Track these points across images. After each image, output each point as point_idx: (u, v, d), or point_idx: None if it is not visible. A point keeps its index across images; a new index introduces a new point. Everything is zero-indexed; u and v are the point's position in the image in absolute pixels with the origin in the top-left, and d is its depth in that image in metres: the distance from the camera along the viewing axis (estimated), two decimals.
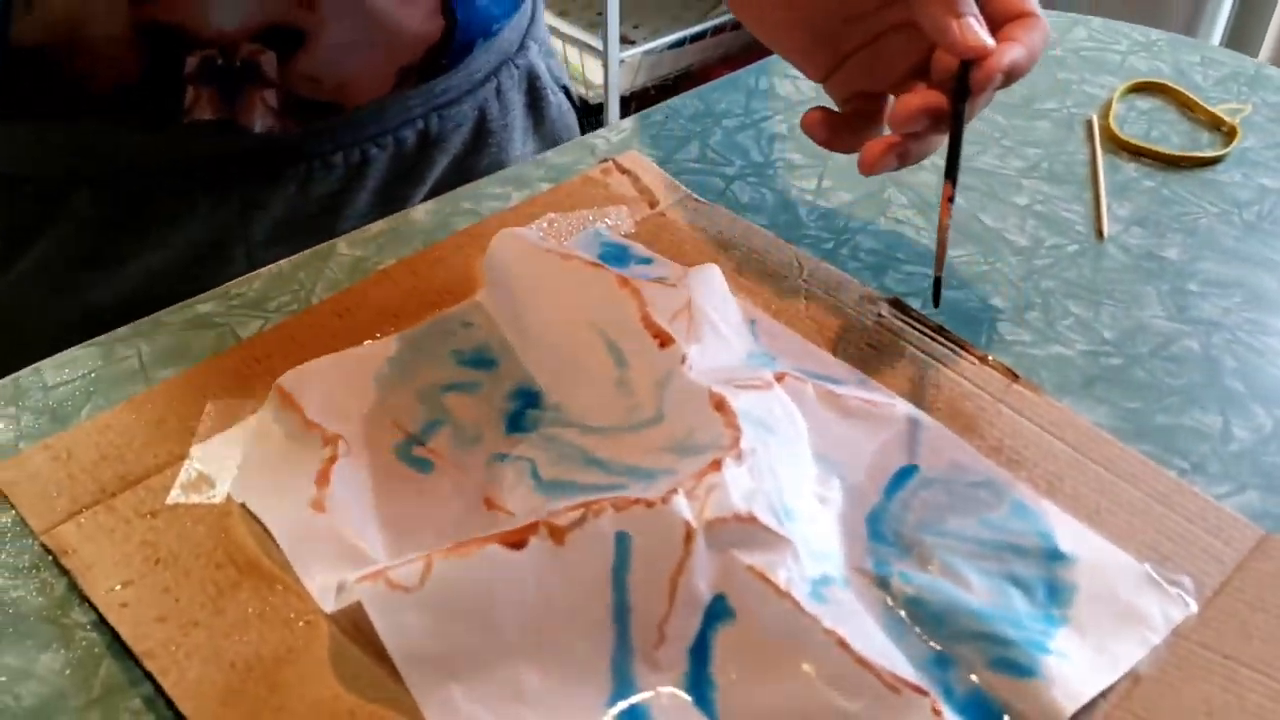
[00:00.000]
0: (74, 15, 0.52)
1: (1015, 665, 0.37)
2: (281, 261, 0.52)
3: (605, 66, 1.89)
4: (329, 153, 0.59)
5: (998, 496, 0.43)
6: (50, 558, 0.39)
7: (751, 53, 1.83)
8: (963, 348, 0.48)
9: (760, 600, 0.37)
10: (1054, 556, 0.41)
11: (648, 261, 0.52)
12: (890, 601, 0.39)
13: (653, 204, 0.56)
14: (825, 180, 0.58)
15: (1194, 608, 0.39)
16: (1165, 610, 0.39)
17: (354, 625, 0.37)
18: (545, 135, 0.69)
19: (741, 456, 0.39)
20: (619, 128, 0.61)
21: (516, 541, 0.36)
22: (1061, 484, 0.43)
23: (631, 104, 1.99)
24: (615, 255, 0.52)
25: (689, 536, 0.37)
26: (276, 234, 0.60)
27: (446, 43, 0.59)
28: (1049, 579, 0.40)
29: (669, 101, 0.64)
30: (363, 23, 0.56)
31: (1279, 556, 0.41)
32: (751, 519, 0.38)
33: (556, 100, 0.69)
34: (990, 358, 0.48)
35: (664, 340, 0.44)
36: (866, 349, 0.48)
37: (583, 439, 0.43)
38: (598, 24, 1.97)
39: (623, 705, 0.36)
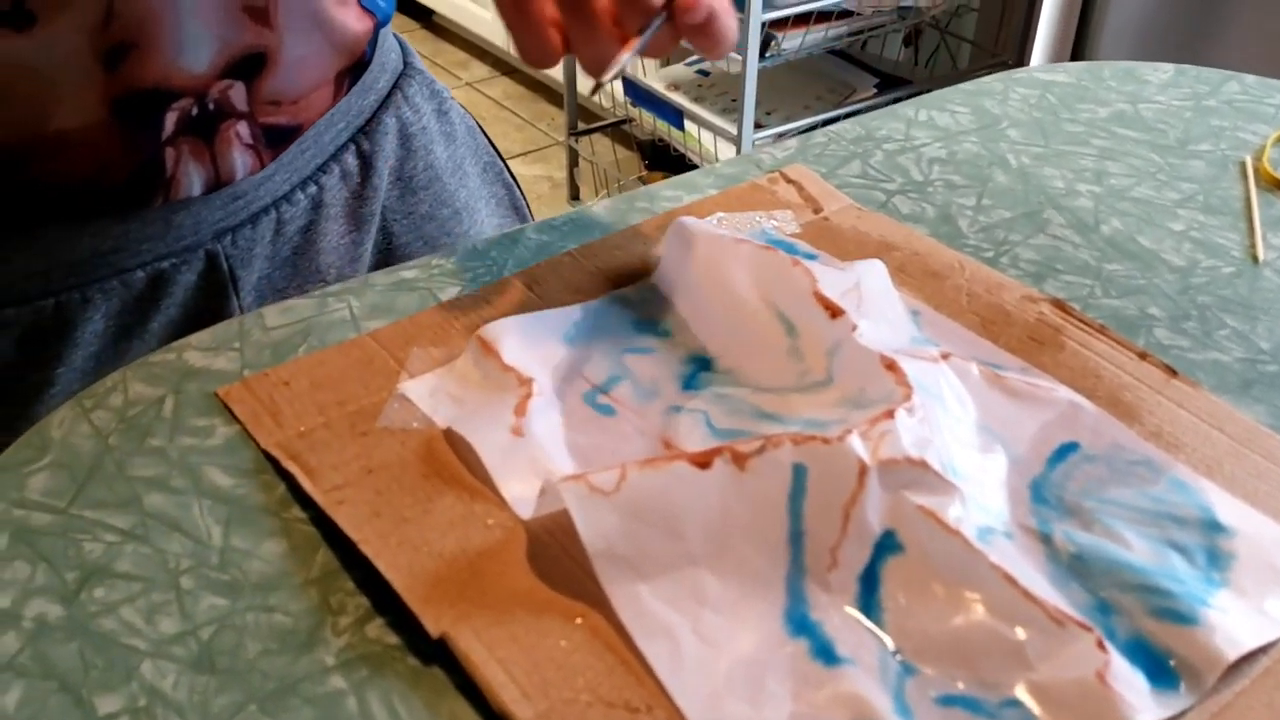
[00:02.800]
0: (44, 105, 0.50)
1: (1176, 614, 0.38)
2: (476, 240, 0.57)
3: (739, 149, 1.95)
4: (289, 193, 0.60)
5: (1156, 473, 0.44)
6: (270, 464, 0.44)
7: None
8: (1123, 345, 0.50)
9: (929, 536, 0.39)
10: (1213, 527, 0.42)
11: (813, 257, 0.55)
12: (1053, 555, 0.41)
13: (817, 210, 0.59)
14: (985, 199, 0.61)
15: None
16: None
17: (548, 531, 0.40)
18: (457, 142, 0.69)
19: (913, 410, 0.42)
20: (784, 146, 0.65)
21: (703, 461, 0.39)
22: (1220, 468, 0.44)
23: None
24: (782, 248, 0.55)
25: (863, 473, 0.39)
26: (263, 284, 0.60)
27: (373, 39, 0.61)
28: (1208, 547, 0.41)
29: (829, 127, 0.67)
30: (313, 31, 0.56)
31: None
32: (923, 463, 0.40)
33: (457, 110, 0.71)
34: (1149, 354, 0.49)
35: (835, 312, 0.47)
36: (1028, 341, 0.51)
37: (754, 397, 0.46)
38: (731, 109, 2.05)
39: (796, 618, 0.38)
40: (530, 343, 0.48)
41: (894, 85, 2.11)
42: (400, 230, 0.66)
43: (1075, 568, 0.40)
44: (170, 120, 0.53)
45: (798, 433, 0.40)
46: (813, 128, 2.04)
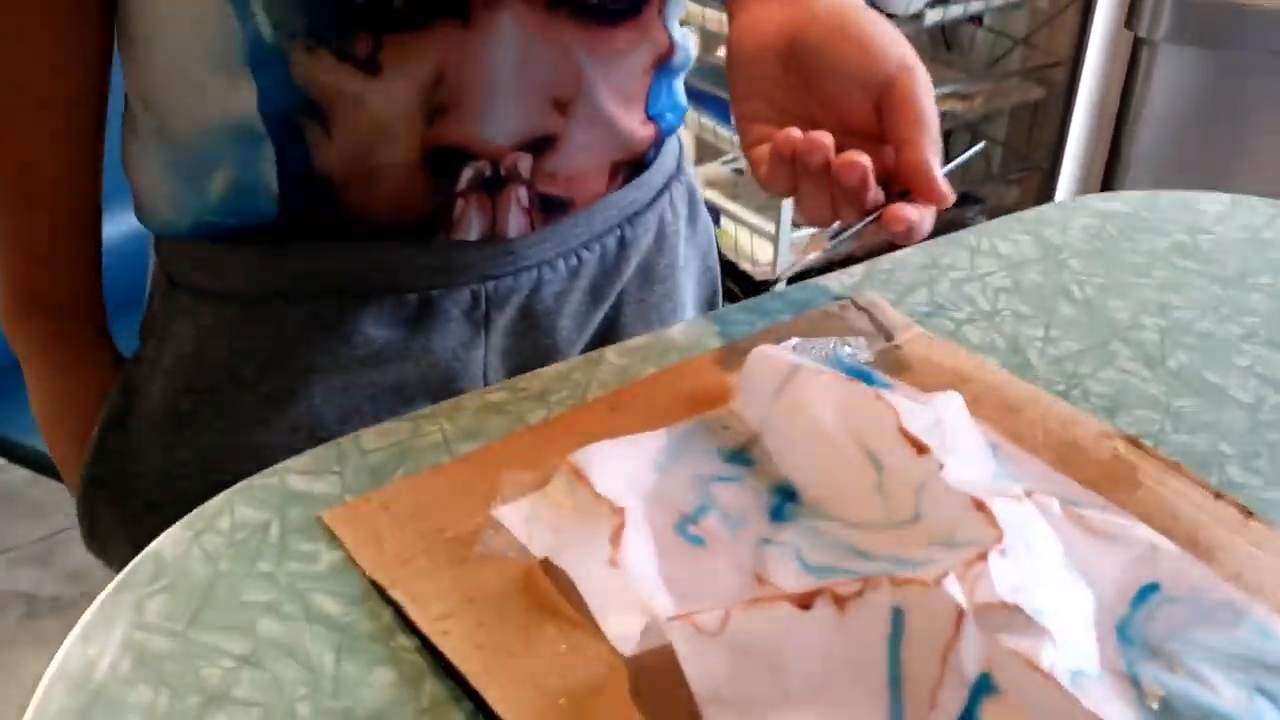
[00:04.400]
0: (372, 141, 0.58)
1: None
2: (559, 364, 0.59)
3: (776, 246, 1.98)
4: (552, 260, 0.67)
5: (1238, 616, 0.45)
6: (376, 591, 0.45)
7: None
8: (1198, 484, 0.51)
9: (1025, 680, 0.40)
10: None
11: (889, 387, 0.56)
12: (1142, 699, 0.41)
13: (889, 337, 0.61)
14: (1053, 330, 0.63)
15: None
16: None
17: (650, 670, 0.41)
18: (698, 244, 0.79)
19: (1005, 552, 0.43)
20: (850, 272, 0.67)
21: (805, 603, 0.40)
22: None
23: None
24: (861, 379, 0.57)
25: (960, 617, 0.40)
26: (511, 330, 0.67)
27: (656, 145, 0.70)
28: None
29: (893, 254, 0.70)
30: (598, 127, 0.64)
31: None
32: (1017, 608, 0.41)
33: (705, 216, 0.80)
34: (1224, 494, 0.50)
35: (920, 449, 0.48)
36: (1105, 478, 0.52)
37: (844, 531, 0.48)
38: (766, 207, 2.09)
39: None
40: (620, 469, 0.50)
41: None
42: (629, 314, 0.73)
43: (1165, 713, 0.41)
44: (466, 176, 0.61)
45: (896, 575, 0.41)
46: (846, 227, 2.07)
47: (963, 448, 0.51)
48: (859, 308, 0.63)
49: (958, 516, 0.45)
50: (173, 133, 0.61)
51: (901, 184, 0.53)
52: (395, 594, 0.44)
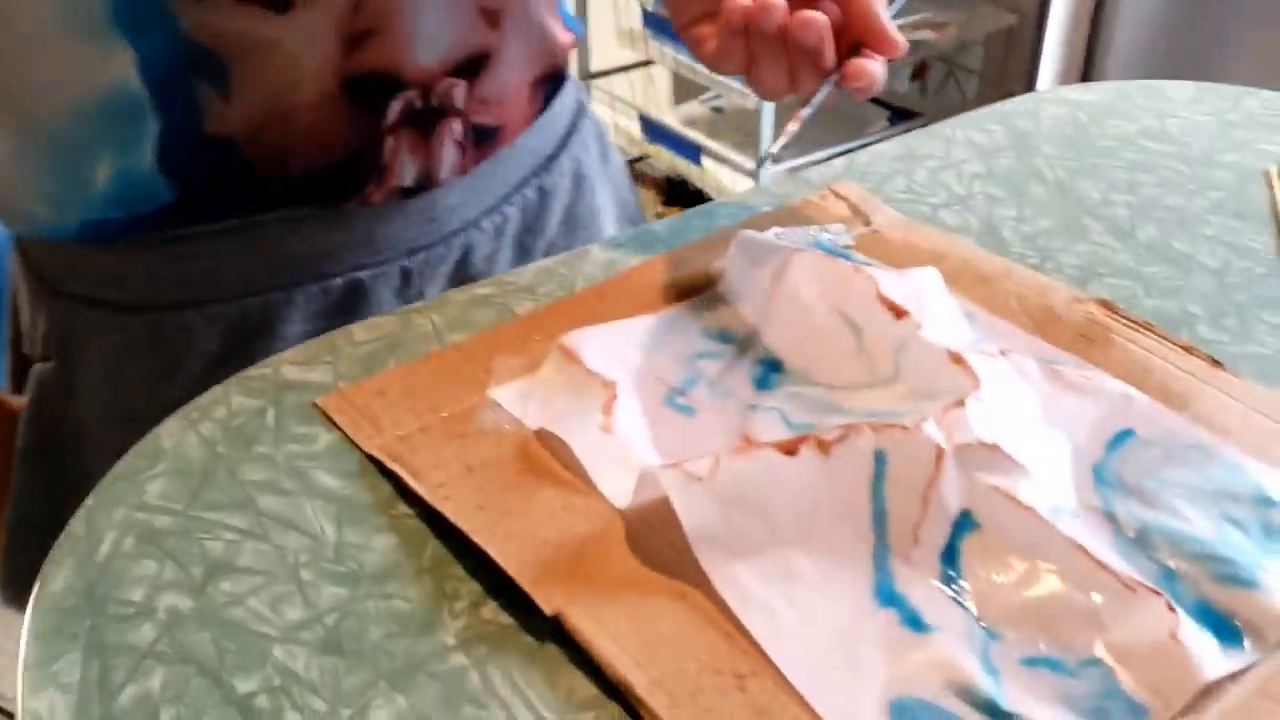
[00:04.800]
0: (280, 87, 0.53)
1: (1238, 579, 0.40)
2: (545, 260, 0.60)
3: (757, 182, 1.99)
4: (477, 220, 0.65)
5: (1209, 456, 0.46)
6: (374, 467, 0.46)
7: None
8: (1169, 340, 0.53)
9: (1004, 514, 0.41)
10: (1265, 502, 0.44)
11: (868, 265, 0.58)
12: (1118, 530, 0.43)
13: (867, 222, 0.62)
14: (1026, 210, 0.64)
15: None
16: None
17: (644, 519, 0.42)
18: (612, 181, 0.75)
19: (982, 399, 0.44)
20: (831, 166, 0.68)
21: (790, 449, 0.42)
22: (1269, 451, 0.47)
23: None
24: (840, 258, 0.58)
25: (939, 457, 0.42)
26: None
27: (570, 48, 0.67)
28: (1262, 520, 0.43)
29: (873, 147, 0.71)
30: (527, 33, 0.61)
31: None
32: (995, 447, 0.43)
33: (614, 154, 0.77)
34: (1194, 349, 0.52)
35: (899, 312, 0.49)
36: (1079, 339, 0.53)
37: (827, 394, 0.49)
38: (745, 144, 2.09)
39: (885, 591, 0.40)
40: (608, 350, 0.51)
41: (904, 118, 2.15)
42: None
43: (1140, 541, 0.43)
44: (394, 109, 0.56)
45: (877, 421, 0.43)
46: (829, 159, 2.08)
47: (940, 315, 0.52)
48: (838, 196, 0.64)
49: (936, 370, 0.47)
50: (36, 119, 0.53)
51: (850, 38, 0.51)
52: (395, 466, 0.46)
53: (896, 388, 0.48)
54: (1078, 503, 0.44)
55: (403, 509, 0.45)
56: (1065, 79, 2.21)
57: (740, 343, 0.53)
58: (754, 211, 0.64)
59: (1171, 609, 0.38)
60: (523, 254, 0.68)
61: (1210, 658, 0.38)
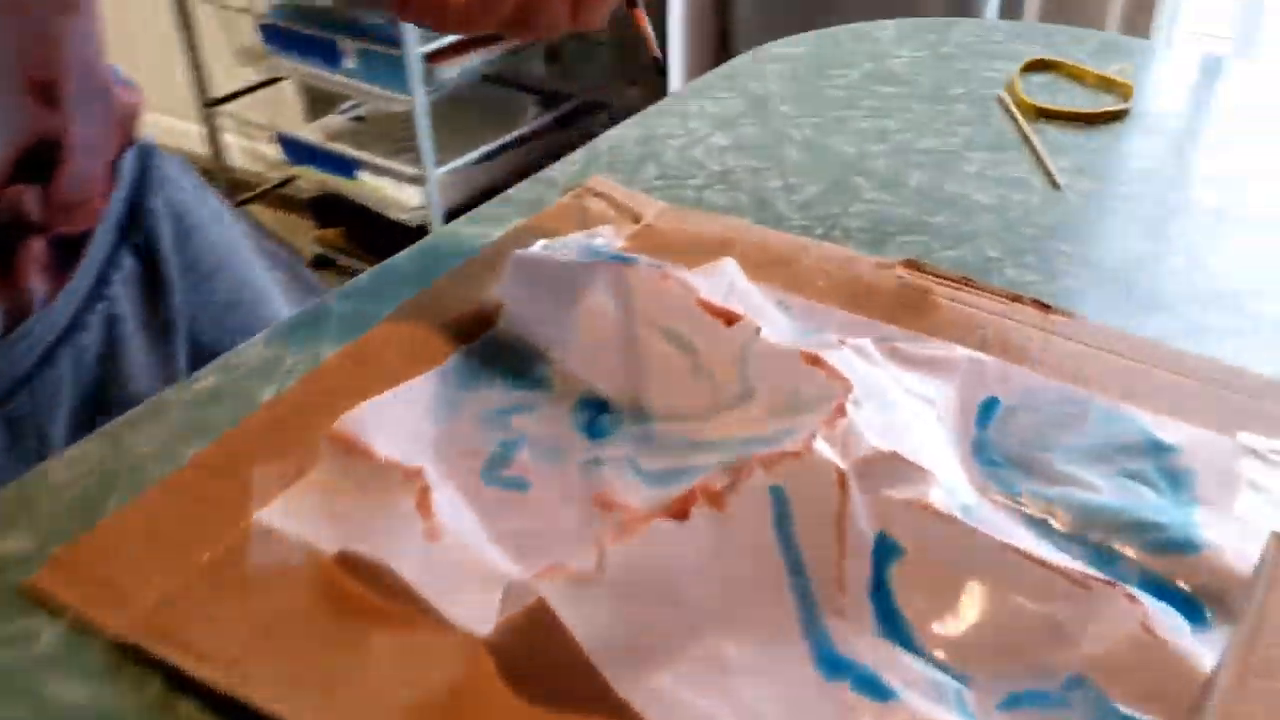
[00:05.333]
0: None
1: (1175, 544, 0.37)
2: (277, 323, 0.48)
3: (425, 185, 1.88)
4: (78, 317, 0.50)
5: (1082, 410, 0.43)
6: (132, 656, 0.34)
7: (564, 150, 1.86)
8: (990, 292, 0.49)
9: (926, 528, 0.36)
10: (1159, 449, 0.41)
11: (657, 267, 0.51)
12: (1029, 516, 0.39)
13: (636, 219, 0.55)
14: (791, 178, 0.59)
15: None
16: (1270, 476, 0.40)
17: (521, 647, 0.33)
18: (225, 223, 0.59)
19: (859, 401, 0.38)
20: (571, 160, 0.61)
21: (679, 512, 0.34)
22: (1132, 391, 0.44)
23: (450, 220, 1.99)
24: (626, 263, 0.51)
25: (842, 480, 0.36)
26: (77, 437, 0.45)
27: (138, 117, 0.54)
28: (1163, 469, 0.40)
29: (608, 133, 0.63)
30: (99, 106, 0.49)
31: None
32: (894, 455, 0.37)
33: (214, 193, 0.60)
34: (1020, 295, 0.49)
35: (729, 318, 0.43)
36: (901, 308, 0.49)
37: (675, 428, 0.42)
38: (400, 150, 1.97)
39: (828, 659, 0.34)
40: (396, 428, 0.41)
41: (556, 101, 2.10)
42: (207, 328, 0.55)
43: (1058, 521, 0.38)
44: None
45: (764, 453, 0.36)
46: (495, 153, 2.00)
47: (761, 313, 0.46)
48: (595, 194, 0.57)
49: (794, 377, 0.40)
50: None
51: None
52: (162, 649, 0.34)
53: (753, 408, 0.41)
54: (976, 495, 0.39)
55: (188, 707, 0.33)
56: (699, 41, 2.24)
57: (548, 385, 0.44)
58: (504, 226, 0.55)
59: (1132, 598, 0.34)
60: (156, 333, 0.54)
61: (1191, 643, 0.33)
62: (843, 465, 0.36)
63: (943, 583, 0.35)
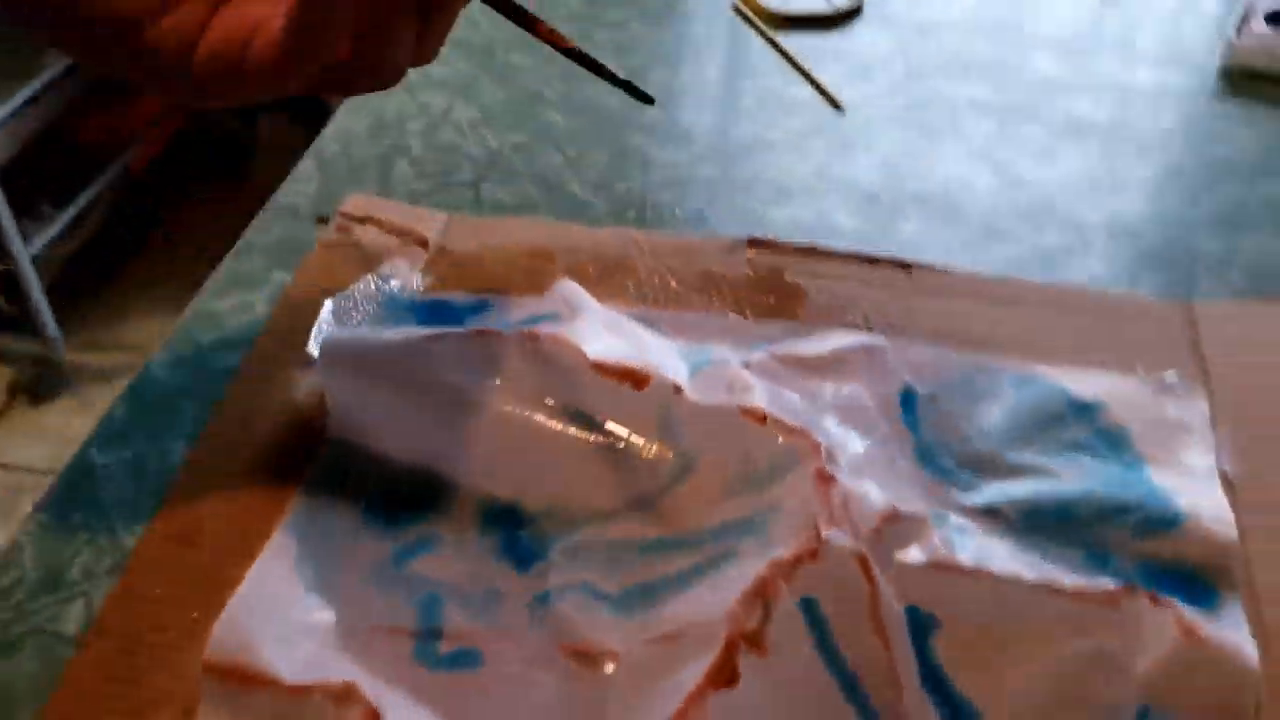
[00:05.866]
0: None
1: (1155, 522, 0.36)
2: (20, 520, 0.36)
3: (16, 269, 1.55)
4: None
5: (994, 381, 0.41)
6: None
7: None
8: (846, 258, 0.45)
9: (949, 592, 0.32)
10: (1085, 410, 0.40)
11: (484, 308, 0.43)
12: (1010, 527, 0.36)
13: (422, 242, 0.46)
14: (568, 148, 0.52)
15: (1203, 400, 0.41)
16: (1188, 409, 0.40)
17: None
18: None
19: (836, 458, 0.34)
20: (299, 176, 0.50)
21: (728, 676, 0.28)
22: (1033, 345, 0.42)
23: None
24: (444, 314, 0.42)
25: (865, 566, 0.31)
26: None
27: None
28: (1097, 430, 0.39)
29: (329, 128, 0.53)
30: None
31: (1213, 315, 0.43)
32: (894, 513, 0.33)
33: None
34: (877, 258, 0.45)
35: (635, 379, 0.36)
36: (760, 300, 0.44)
37: (619, 529, 0.35)
38: None
39: None
40: (281, 628, 0.32)
41: None
42: None
43: (1037, 528, 0.36)
44: None
45: (777, 563, 0.31)
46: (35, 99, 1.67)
47: (645, 344, 0.40)
48: (360, 220, 0.47)
49: (740, 440, 0.35)
50: None
51: None
52: None
53: (701, 484, 0.35)
54: (961, 515, 0.36)
55: None
56: None
57: (434, 503, 0.36)
58: (265, 290, 0.44)
59: (1156, 599, 0.33)
60: None
61: (1228, 635, 0.33)
62: (861, 549, 0.31)
63: (985, 646, 0.32)
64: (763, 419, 0.35)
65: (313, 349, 0.40)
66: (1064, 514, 0.36)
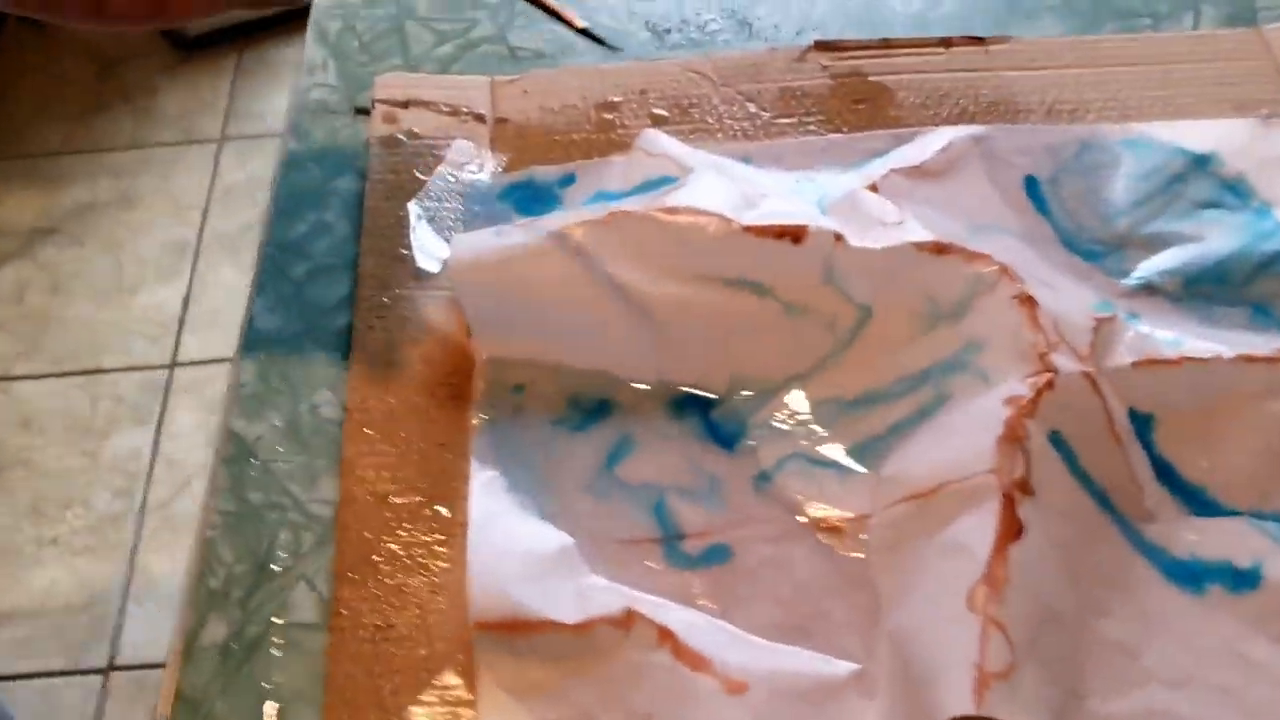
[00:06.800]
0: None
1: None
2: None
3: None
4: None
5: (1104, 149, 0.40)
6: None
7: None
8: (917, 46, 0.44)
9: (1162, 385, 0.33)
10: (1201, 163, 0.40)
11: (571, 180, 0.40)
12: (1175, 298, 0.37)
13: (479, 117, 0.43)
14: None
15: None
16: None
17: None
18: None
19: (1019, 276, 0.34)
20: (311, 65, 0.45)
21: (1017, 528, 0.29)
22: (1125, 103, 0.42)
23: None
24: (535, 195, 0.40)
25: (1094, 384, 0.32)
26: None
27: None
28: (1222, 183, 0.40)
29: (319, 3, 0.47)
30: None
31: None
32: (1098, 321, 0.33)
33: None
34: (949, 39, 0.44)
35: (794, 234, 0.35)
36: (856, 107, 0.42)
37: (814, 390, 0.35)
38: None
39: (1179, 571, 0.31)
40: (529, 569, 0.31)
41: None
42: None
43: (1197, 299, 0.37)
44: None
45: (1019, 399, 0.31)
46: None
47: (762, 186, 0.38)
48: (400, 104, 0.43)
49: (920, 279, 0.35)
50: None
51: None
52: None
53: (888, 328, 0.35)
54: (1129, 301, 0.37)
55: None
56: None
57: (615, 405, 0.35)
58: (352, 223, 0.41)
59: None
60: None
61: None
62: (1087, 368, 0.32)
63: (1200, 429, 0.33)
64: (940, 249, 0.34)
65: (422, 262, 0.38)
66: (1219, 277, 0.37)
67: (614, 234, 0.35)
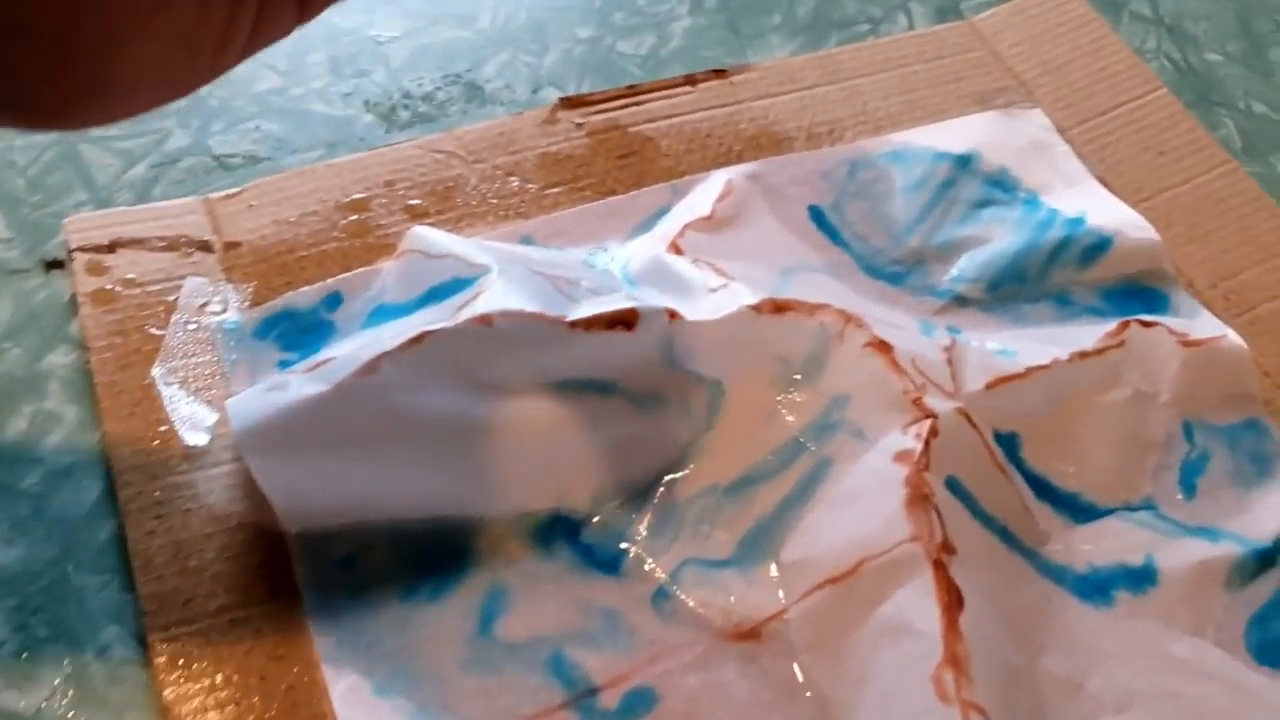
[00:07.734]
0: None
1: (1093, 247, 0.38)
2: None
3: None
4: None
5: (870, 165, 0.40)
6: None
7: None
8: (666, 87, 0.41)
9: (1014, 401, 0.33)
10: (966, 163, 0.40)
11: (337, 302, 0.35)
12: (984, 304, 0.37)
13: (204, 246, 0.36)
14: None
15: (1038, 108, 0.42)
16: (1033, 123, 0.42)
17: None
18: None
19: (859, 319, 0.32)
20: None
21: (957, 595, 0.27)
22: (874, 116, 0.42)
23: None
24: (299, 326, 0.34)
25: (968, 417, 0.31)
26: None
27: None
28: (987, 179, 0.40)
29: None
30: None
31: (992, 24, 0.45)
32: (949, 347, 0.33)
33: None
34: (693, 75, 0.42)
35: (625, 320, 0.32)
36: (617, 163, 0.39)
37: (684, 487, 0.32)
38: None
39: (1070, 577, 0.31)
40: None
41: None
42: None
43: (1003, 300, 0.37)
44: None
45: (908, 455, 0.29)
46: None
47: (558, 264, 0.35)
48: (105, 249, 0.35)
49: (766, 341, 0.33)
50: None
51: None
52: None
53: (749, 404, 0.32)
54: (932, 319, 0.36)
55: None
56: None
57: (475, 555, 0.31)
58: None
59: (1145, 323, 0.35)
60: None
61: (1209, 327, 0.36)
62: (958, 403, 0.31)
63: (1056, 436, 0.33)
64: (779, 308, 0.32)
65: (189, 437, 0.31)
66: (1018, 275, 0.37)
67: (426, 359, 0.30)
